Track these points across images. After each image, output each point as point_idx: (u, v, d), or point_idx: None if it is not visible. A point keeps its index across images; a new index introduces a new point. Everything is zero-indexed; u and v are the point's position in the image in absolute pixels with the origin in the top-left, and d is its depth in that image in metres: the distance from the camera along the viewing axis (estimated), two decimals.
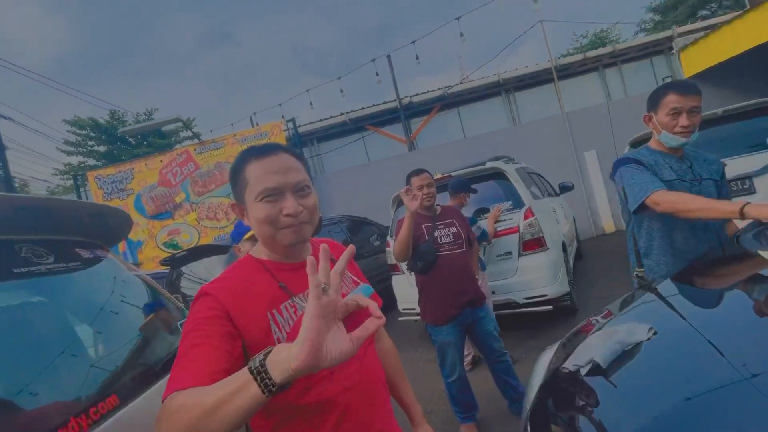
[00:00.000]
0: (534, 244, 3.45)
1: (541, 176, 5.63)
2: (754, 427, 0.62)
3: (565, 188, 5.77)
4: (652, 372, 0.84)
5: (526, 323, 3.82)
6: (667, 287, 1.24)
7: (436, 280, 2.32)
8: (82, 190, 9.47)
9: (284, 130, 8.61)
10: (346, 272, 0.92)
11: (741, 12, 6.82)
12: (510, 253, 3.49)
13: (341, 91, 7.99)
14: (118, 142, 13.97)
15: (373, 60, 7.06)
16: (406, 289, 4.14)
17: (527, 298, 3.44)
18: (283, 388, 0.54)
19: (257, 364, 0.55)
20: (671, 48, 8.56)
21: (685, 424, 0.68)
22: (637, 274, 1.33)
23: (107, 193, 8.54)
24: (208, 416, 0.54)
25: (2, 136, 8.84)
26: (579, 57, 8.80)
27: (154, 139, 13.93)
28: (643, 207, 1.52)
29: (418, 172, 2.37)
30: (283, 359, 0.54)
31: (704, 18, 14.67)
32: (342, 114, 9.41)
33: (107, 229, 1.46)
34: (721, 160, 1.71)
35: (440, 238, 2.33)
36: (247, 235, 2.06)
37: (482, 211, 3.68)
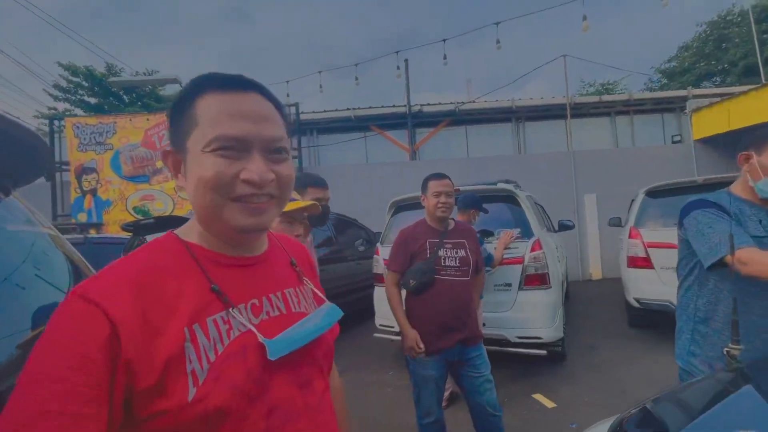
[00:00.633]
0: (537, 279, 3.16)
1: (544, 210, 5.40)
2: None
3: (564, 227, 5.56)
4: None
5: (507, 363, 3.51)
6: None
7: (428, 305, 1.97)
8: (56, 136, 8.80)
9: None
10: (306, 283, 0.71)
11: (759, 86, 6.86)
12: (510, 284, 3.19)
13: (356, 78, 7.62)
14: (111, 97, 13.27)
15: (397, 52, 6.78)
16: (386, 304, 3.78)
17: (520, 338, 3.14)
18: None
19: None
20: (683, 108, 8.61)
21: None
22: (728, 352, 1.03)
23: (83, 143, 7.91)
24: None
25: None
26: (594, 98, 8.76)
27: (150, 102, 13.28)
28: (719, 263, 1.23)
29: (438, 176, 2.04)
30: None
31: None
32: (348, 109, 9.08)
33: (11, 161, 1.01)
34: None
35: (444, 259, 1.98)
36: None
37: (485, 233, 3.38)
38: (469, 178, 6.27)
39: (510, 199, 3.48)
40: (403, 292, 2.09)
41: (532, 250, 3.17)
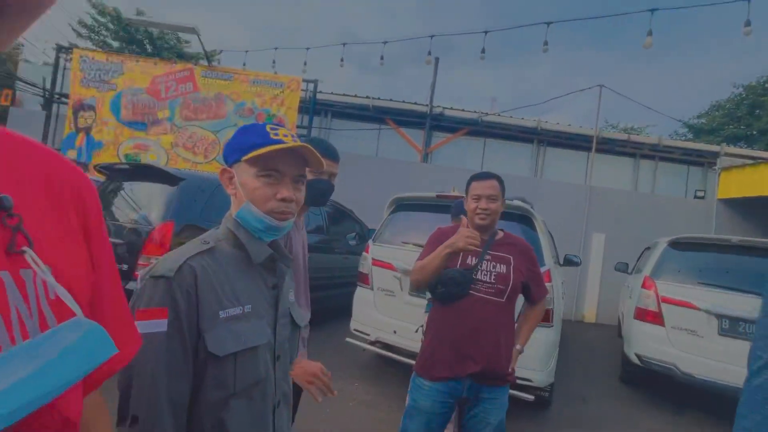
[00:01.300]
0: None
1: (554, 240, 5.02)
2: None
3: (570, 262, 5.17)
4: None
5: None
6: None
7: (447, 321, 1.61)
8: (65, 64, 8.41)
9: (302, 90, 7.81)
10: (31, 260, 0.35)
11: None
12: None
13: (381, 58, 7.18)
14: (134, 44, 12.94)
15: (431, 36, 6.33)
16: (367, 308, 3.39)
17: None
18: None
19: None
20: (712, 164, 8.24)
21: None
22: None
23: (87, 78, 7.51)
24: None
25: None
26: (623, 136, 8.38)
27: (171, 56, 12.90)
28: None
29: (482, 176, 1.66)
30: None
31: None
32: (368, 98, 8.69)
33: None
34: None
35: (478, 271, 1.60)
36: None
37: None
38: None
39: (525, 220, 3.09)
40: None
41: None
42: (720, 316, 3.33)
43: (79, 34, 12.85)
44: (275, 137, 0.80)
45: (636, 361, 3.73)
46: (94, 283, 0.43)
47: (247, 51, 9.22)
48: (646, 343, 3.67)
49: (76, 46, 9.69)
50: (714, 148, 8.33)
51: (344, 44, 7.30)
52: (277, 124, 0.86)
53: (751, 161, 7.35)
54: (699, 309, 3.40)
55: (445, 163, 8.60)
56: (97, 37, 13.00)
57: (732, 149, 8.50)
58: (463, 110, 8.58)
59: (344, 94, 8.81)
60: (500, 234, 1.71)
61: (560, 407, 3.33)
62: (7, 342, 0.31)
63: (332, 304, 4.88)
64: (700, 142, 16.40)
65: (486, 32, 5.64)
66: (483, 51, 5.84)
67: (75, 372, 0.31)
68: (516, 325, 1.71)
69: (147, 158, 7.31)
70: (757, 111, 17.15)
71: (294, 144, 0.80)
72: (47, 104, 8.25)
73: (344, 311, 3.84)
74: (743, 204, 7.24)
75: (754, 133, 16.78)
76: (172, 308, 0.71)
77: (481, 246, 1.62)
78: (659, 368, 3.53)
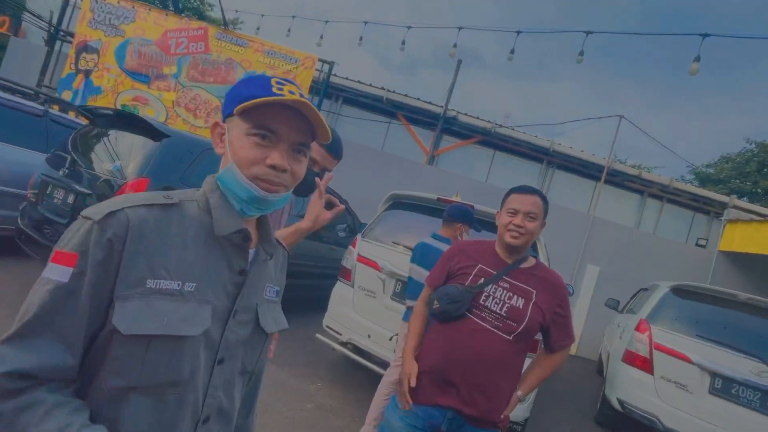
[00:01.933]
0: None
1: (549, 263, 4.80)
2: None
3: None
4: None
5: None
6: None
7: (440, 342, 1.40)
8: (76, 1, 8.06)
9: (317, 70, 7.53)
10: None
11: None
12: None
13: (402, 42, 6.88)
14: (157, 1, 12.60)
15: (459, 28, 6.05)
16: (344, 306, 3.16)
17: None
18: None
19: None
20: (719, 214, 8.07)
21: None
22: None
23: (96, 20, 7.17)
24: None
25: None
26: (635, 171, 8.19)
27: (192, 16, 12.57)
28: None
29: (527, 190, 1.43)
30: None
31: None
32: (383, 89, 8.42)
33: None
34: None
35: (488, 297, 1.36)
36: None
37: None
38: (482, 202, 5.67)
39: None
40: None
41: None
42: (714, 374, 3.13)
43: None
44: (278, 92, 0.65)
45: (617, 405, 3.52)
46: None
47: (263, 15, 8.89)
48: (631, 389, 3.46)
49: None
50: (723, 198, 8.16)
51: (365, 22, 7.01)
52: (286, 80, 0.67)
53: (758, 217, 7.19)
54: (693, 363, 3.20)
55: (450, 169, 8.36)
56: None
57: (740, 202, 8.33)
58: (477, 118, 8.34)
59: (359, 82, 8.54)
60: (530, 261, 1.45)
61: None
62: None
63: (310, 294, 4.65)
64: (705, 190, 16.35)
65: (518, 32, 5.39)
66: (512, 52, 5.56)
67: None
68: (525, 368, 1.45)
69: (145, 113, 7.00)
70: (766, 169, 17.11)
71: (293, 98, 0.65)
72: (51, 40, 7.90)
73: (321, 304, 3.60)
74: (744, 259, 7.07)
75: (759, 191, 16.73)
76: (83, 258, 0.56)
77: (499, 267, 1.40)
78: (640, 418, 3.33)
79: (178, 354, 0.60)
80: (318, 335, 3.22)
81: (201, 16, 13.06)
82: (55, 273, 0.56)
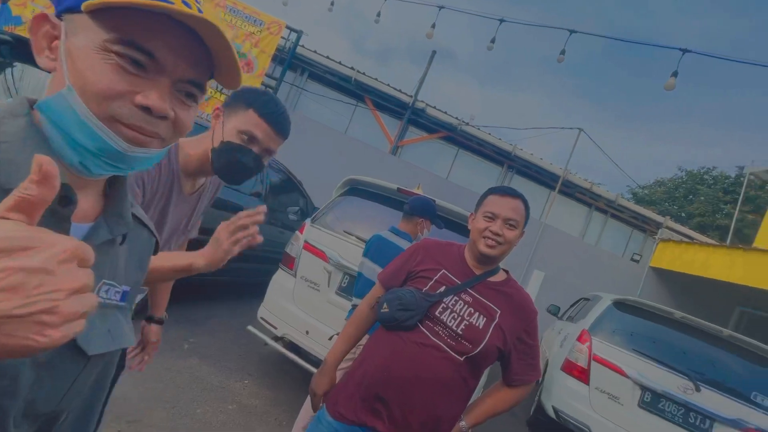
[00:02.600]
0: None
1: None
2: None
3: None
4: None
5: None
6: None
7: (380, 354, 1.16)
8: None
9: (283, 37, 6.94)
10: None
11: (719, 244, 6.93)
12: None
13: (378, 15, 6.44)
14: None
15: (440, 7, 5.73)
16: (282, 297, 2.83)
17: None
18: None
19: None
20: (653, 232, 8.67)
21: None
22: None
23: None
24: None
25: None
26: (587, 184, 8.52)
27: None
28: None
29: (508, 192, 1.21)
30: None
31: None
32: (352, 69, 8.00)
33: None
34: None
35: (444, 311, 1.13)
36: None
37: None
38: (445, 198, 5.55)
39: None
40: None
41: None
42: (644, 388, 3.22)
43: None
44: None
45: (551, 413, 3.55)
46: None
47: None
48: (566, 398, 3.49)
49: None
50: (659, 218, 8.77)
51: None
52: None
53: (687, 239, 7.78)
54: (627, 376, 3.27)
55: (413, 161, 8.19)
56: None
57: (674, 224, 9.01)
58: (446, 113, 8.22)
59: (328, 57, 8.05)
60: (501, 275, 1.24)
61: None
62: None
63: (247, 279, 4.25)
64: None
65: (501, 20, 5.21)
66: (493, 41, 5.39)
67: None
68: (475, 399, 1.25)
69: None
70: (691, 196, 18.92)
71: (191, 12, 0.41)
72: None
73: (258, 291, 3.25)
74: (670, 277, 7.64)
75: (683, 215, 18.48)
76: None
77: (465, 276, 1.17)
78: (573, 426, 3.37)
79: None
80: (250, 327, 2.87)
81: None
82: None
